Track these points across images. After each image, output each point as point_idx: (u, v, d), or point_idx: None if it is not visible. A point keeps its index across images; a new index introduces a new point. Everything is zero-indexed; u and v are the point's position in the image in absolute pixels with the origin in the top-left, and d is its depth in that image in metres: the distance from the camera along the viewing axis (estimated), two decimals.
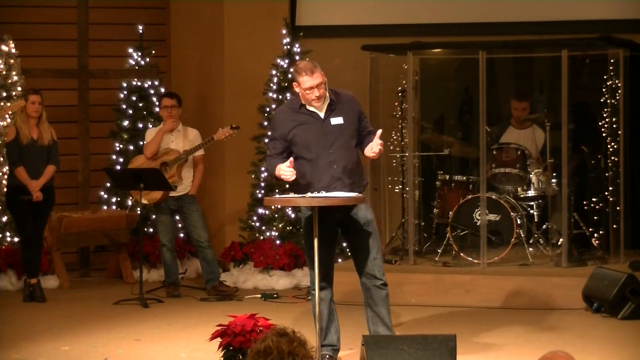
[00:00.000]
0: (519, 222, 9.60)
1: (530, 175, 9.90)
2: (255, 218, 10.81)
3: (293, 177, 6.82)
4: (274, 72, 10.87)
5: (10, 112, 9.94)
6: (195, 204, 9.95)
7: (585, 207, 10.26)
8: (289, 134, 6.94)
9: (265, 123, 10.85)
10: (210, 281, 9.90)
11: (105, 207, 11.14)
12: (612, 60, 9.91)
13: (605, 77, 9.98)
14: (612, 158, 10.00)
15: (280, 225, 10.66)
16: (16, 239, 10.33)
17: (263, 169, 10.79)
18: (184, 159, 9.81)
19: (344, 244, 9.42)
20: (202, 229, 9.90)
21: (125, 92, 11.31)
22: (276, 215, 10.70)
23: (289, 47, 10.88)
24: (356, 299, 8.14)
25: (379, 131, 6.94)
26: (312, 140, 6.91)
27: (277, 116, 7.16)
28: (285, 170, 6.79)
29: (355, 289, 7.42)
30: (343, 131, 6.93)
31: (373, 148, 6.87)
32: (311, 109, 6.93)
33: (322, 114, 6.94)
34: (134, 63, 11.28)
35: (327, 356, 7.01)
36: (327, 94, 6.95)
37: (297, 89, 6.93)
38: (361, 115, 7.09)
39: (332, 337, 7.07)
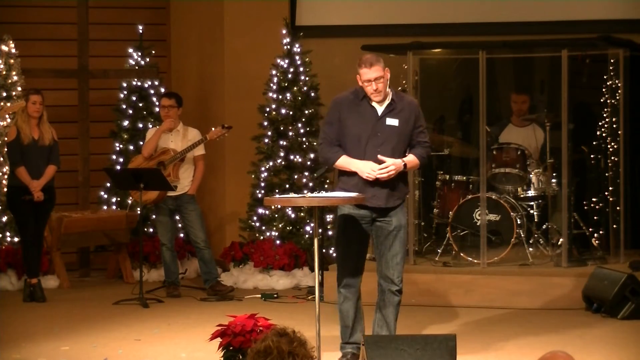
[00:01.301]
0: (519, 222, 9.60)
1: (530, 175, 9.90)
2: (255, 218, 10.81)
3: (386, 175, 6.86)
4: (274, 72, 10.87)
5: (10, 112, 9.94)
6: (194, 204, 9.94)
7: (585, 207, 10.26)
8: (343, 118, 6.95)
9: (265, 123, 10.86)
10: (207, 281, 9.91)
11: (105, 207, 11.14)
12: (612, 60, 9.91)
13: (605, 77, 9.98)
14: (612, 158, 10.00)
15: (280, 225, 10.66)
16: (16, 239, 10.33)
17: (263, 168, 10.79)
18: (178, 158, 9.80)
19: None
20: (200, 229, 9.89)
21: (125, 92, 11.31)
22: (276, 215, 10.70)
23: (289, 47, 10.88)
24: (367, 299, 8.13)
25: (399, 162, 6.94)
26: (363, 135, 6.92)
27: (338, 98, 7.13)
28: (367, 168, 6.82)
29: (368, 289, 7.42)
30: (395, 134, 6.93)
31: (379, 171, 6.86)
32: (373, 104, 6.94)
33: (380, 112, 6.95)
34: (134, 63, 11.28)
35: (351, 354, 7.04)
36: (390, 94, 6.95)
37: (359, 82, 6.95)
38: (417, 122, 7.05)
39: (357, 336, 7.07)
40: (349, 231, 7.02)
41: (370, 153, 6.91)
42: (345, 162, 6.94)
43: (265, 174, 10.80)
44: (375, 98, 6.91)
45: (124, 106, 11.28)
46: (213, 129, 9.88)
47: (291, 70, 10.84)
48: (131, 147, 11.13)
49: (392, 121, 6.95)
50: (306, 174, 10.70)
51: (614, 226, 9.98)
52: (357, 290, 7.09)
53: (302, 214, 10.66)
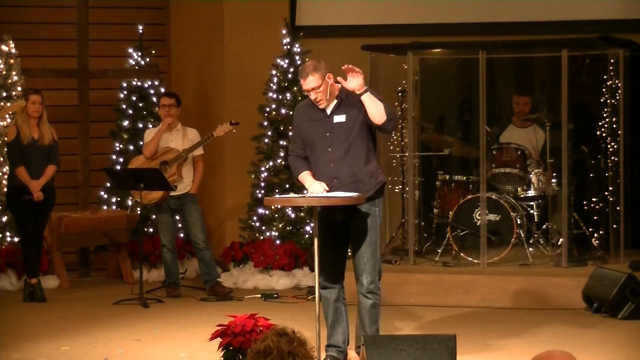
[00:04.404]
0: (519, 222, 9.60)
1: (530, 175, 9.90)
2: (255, 218, 10.81)
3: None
4: (274, 72, 10.87)
5: (10, 112, 9.94)
6: (196, 204, 9.95)
7: (585, 207, 10.26)
8: (300, 128, 6.99)
9: (265, 123, 10.87)
10: (207, 282, 9.91)
11: (105, 207, 11.14)
12: (612, 60, 9.91)
13: (605, 77, 9.98)
14: (612, 158, 10.00)
15: (280, 225, 10.66)
16: (16, 239, 10.33)
17: (263, 168, 10.80)
18: (183, 157, 9.82)
19: None
20: (200, 229, 9.89)
21: (125, 92, 11.30)
22: (276, 215, 10.70)
23: (289, 47, 10.88)
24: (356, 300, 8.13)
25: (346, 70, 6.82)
26: (316, 138, 6.89)
27: (295, 110, 7.20)
28: (317, 189, 6.79)
29: (354, 289, 7.41)
30: (345, 129, 6.85)
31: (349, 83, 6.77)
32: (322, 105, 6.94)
33: (328, 112, 6.91)
34: (134, 63, 11.28)
35: (330, 357, 6.96)
36: (337, 91, 6.89)
37: None
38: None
39: (337, 338, 6.99)
40: (322, 233, 6.87)
41: (321, 156, 6.87)
42: (302, 178, 6.95)
43: (265, 174, 10.80)
44: (320, 106, 6.88)
45: (124, 106, 11.27)
46: (220, 125, 9.86)
47: (291, 70, 10.84)
48: (131, 147, 11.13)
49: (339, 118, 6.87)
50: None
51: (614, 226, 9.98)
52: (335, 292, 6.97)
53: (302, 214, 10.66)
